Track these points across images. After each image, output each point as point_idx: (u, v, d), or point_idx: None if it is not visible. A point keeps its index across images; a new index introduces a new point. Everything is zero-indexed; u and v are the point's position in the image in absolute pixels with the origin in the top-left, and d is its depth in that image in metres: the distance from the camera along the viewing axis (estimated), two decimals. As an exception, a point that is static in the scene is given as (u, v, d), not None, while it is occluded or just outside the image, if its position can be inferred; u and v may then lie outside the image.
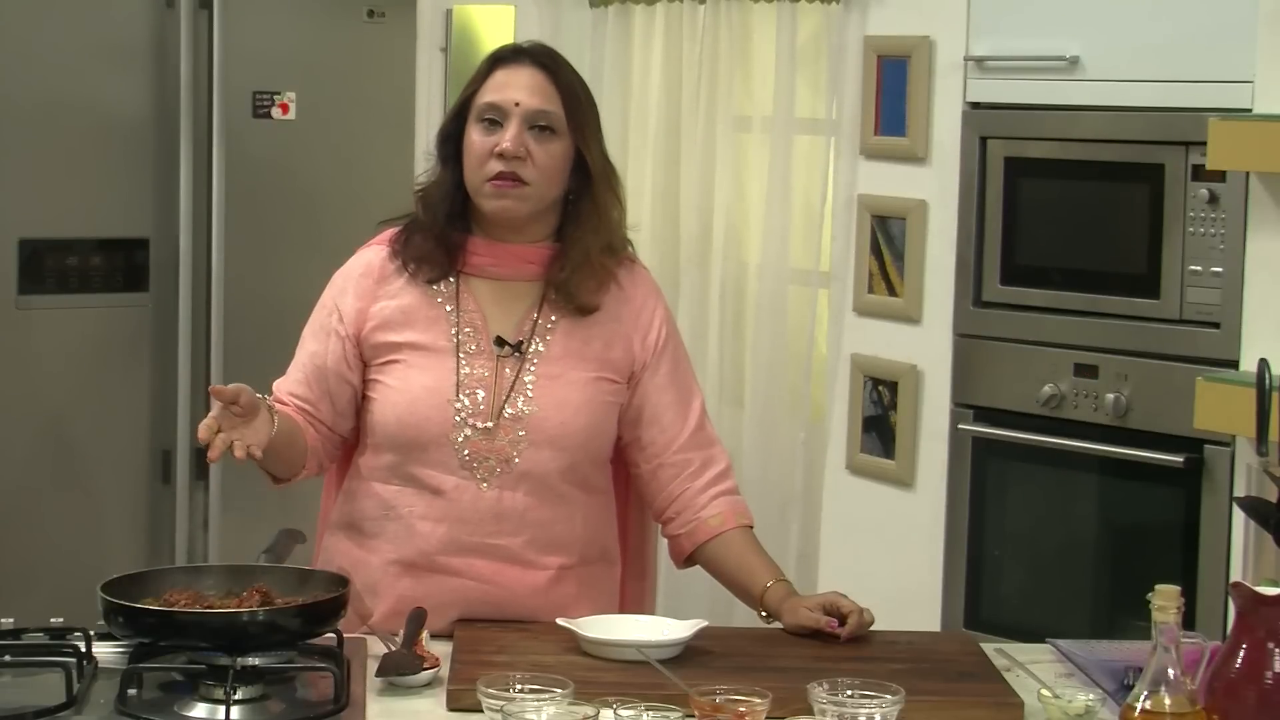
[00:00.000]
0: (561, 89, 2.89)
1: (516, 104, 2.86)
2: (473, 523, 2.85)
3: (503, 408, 2.85)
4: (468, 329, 2.89)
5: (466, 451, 2.84)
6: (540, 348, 2.89)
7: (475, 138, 2.88)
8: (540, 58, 2.92)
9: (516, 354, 2.88)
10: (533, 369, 2.88)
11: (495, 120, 2.86)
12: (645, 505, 3.03)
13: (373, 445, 2.92)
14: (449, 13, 5.21)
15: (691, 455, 2.95)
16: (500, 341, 2.88)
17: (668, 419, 2.95)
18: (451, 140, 2.93)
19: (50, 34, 4.63)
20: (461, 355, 2.88)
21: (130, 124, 4.74)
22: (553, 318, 2.91)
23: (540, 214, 2.91)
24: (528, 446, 2.85)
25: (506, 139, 2.84)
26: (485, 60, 2.95)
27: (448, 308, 2.90)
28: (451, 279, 2.92)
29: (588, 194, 2.91)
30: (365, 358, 2.93)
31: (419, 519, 2.87)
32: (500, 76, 2.89)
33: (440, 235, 2.91)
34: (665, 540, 3.03)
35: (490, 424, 2.84)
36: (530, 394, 2.86)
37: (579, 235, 2.90)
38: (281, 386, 2.94)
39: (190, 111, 4.73)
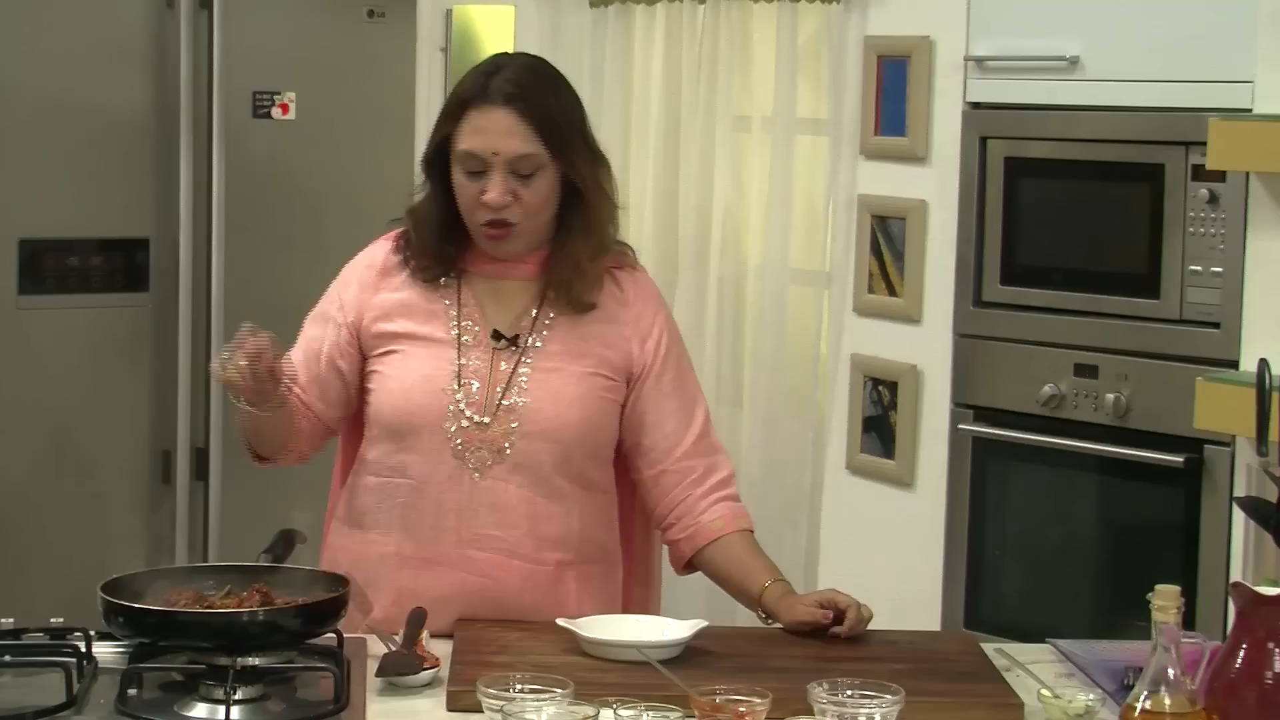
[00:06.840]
0: (537, 124, 2.80)
1: (495, 154, 2.80)
2: (467, 514, 2.85)
3: (498, 400, 2.85)
4: (467, 323, 2.90)
5: (459, 441, 2.84)
6: (538, 343, 2.89)
7: (461, 182, 2.84)
8: (510, 94, 2.80)
9: (513, 347, 2.88)
10: (528, 363, 2.88)
11: (477, 170, 2.82)
12: (647, 511, 3.02)
13: (370, 437, 2.94)
14: (449, 13, 5.20)
15: (694, 463, 2.95)
16: (497, 335, 2.89)
17: (670, 426, 2.94)
18: (436, 164, 2.90)
19: (50, 34, 4.62)
20: (460, 347, 2.88)
21: (130, 124, 4.74)
22: (551, 314, 2.91)
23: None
24: (520, 438, 2.85)
25: (491, 192, 2.80)
26: (453, 99, 2.86)
27: (447, 302, 2.91)
28: (453, 275, 2.93)
29: (579, 207, 2.89)
30: (364, 349, 2.94)
31: (415, 510, 2.87)
32: (474, 120, 2.81)
33: (436, 250, 2.91)
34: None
35: (485, 416, 2.85)
36: (525, 386, 2.86)
37: (569, 242, 2.89)
38: None
39: (190, 111, 4.73)
